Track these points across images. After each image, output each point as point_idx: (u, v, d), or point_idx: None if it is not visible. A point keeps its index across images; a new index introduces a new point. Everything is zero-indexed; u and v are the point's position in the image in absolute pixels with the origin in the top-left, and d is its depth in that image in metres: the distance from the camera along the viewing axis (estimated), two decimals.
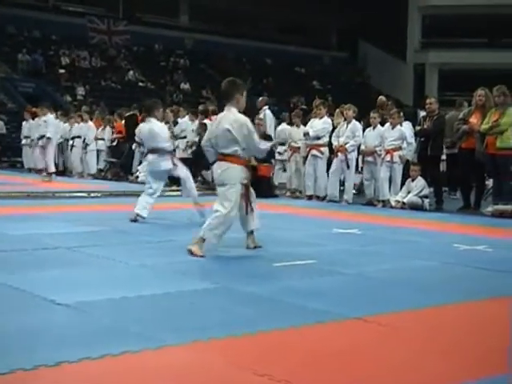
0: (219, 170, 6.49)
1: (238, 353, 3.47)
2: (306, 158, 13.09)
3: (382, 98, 14.55)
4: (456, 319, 4.33)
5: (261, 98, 15.56)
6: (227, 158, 6.43)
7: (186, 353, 3.44)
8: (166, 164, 8.83)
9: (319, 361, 3.37)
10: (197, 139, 15.15)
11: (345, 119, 12.59)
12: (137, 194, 13.11)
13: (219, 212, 6.33)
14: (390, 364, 3.36)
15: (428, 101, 12.53)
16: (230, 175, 6.43)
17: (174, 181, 10.20)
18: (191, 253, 6.20)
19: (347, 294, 4.88)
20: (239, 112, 6.51)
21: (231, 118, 6.41)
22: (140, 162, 17.06)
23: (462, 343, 3.76)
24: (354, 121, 12.41)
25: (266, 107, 14.87)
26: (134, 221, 8.65)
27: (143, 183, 15.72)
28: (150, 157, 8.89)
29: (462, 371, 3.27)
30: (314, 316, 4.16)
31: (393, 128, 12.07)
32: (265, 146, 6.82)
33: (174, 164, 8.93)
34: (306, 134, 12.84)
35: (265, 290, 4.86)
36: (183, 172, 9.07)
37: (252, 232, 6.74)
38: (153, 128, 8.86)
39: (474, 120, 11.25)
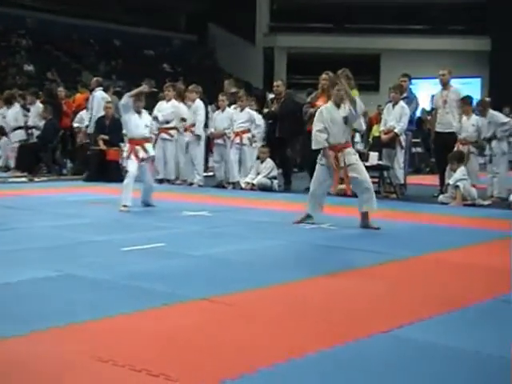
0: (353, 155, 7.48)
1: (81, 340, 3.40)
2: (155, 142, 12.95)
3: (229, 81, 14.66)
4: (301, 295, 4.44)
5: (94, 79, 15.17)
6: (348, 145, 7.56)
7: (24, 344, 3.32)
8: None
9: (163, 342, 3.37)
10: (41, 124, 14.62)
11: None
12: None
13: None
14: (235, 341, 3.41)
15: (275, 83, 12.75)
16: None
17: None
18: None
19: (194, 276, 4.90)
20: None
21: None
22: None
23: (305, 319, 3.86)
24: (196, 101, 12.41)
25: (100, 88, 14.53)
26: None
27: None
28: None
29: (303, 345, 3.36)
30: (161, 299, 4.15)
31: (241, 110, 12.19)
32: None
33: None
34: (155, 118, 12.71)
35: (110, 275, 4.79)
36: None
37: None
38: None
39: (320, 103, 11.53)
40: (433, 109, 11.91)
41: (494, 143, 10.85)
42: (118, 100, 14.65)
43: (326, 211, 7.69)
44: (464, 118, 10.67)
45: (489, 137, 10.86)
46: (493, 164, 10.92)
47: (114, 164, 13.00)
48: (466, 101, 10.71)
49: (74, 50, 30.65)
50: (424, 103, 15.53)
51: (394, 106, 11.01)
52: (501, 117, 11.07)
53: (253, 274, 5.00)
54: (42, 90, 16.61)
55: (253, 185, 11.71)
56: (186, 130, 12.60)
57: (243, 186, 11.85)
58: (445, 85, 11.13)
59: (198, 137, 12.37)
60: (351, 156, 7.47)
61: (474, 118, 10.72)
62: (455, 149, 10.75)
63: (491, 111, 11.00)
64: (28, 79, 25.81)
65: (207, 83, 14.69)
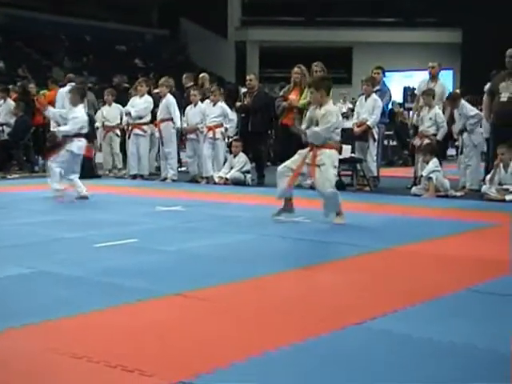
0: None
1: (56, 337, 3.38)
2: (128, 137, 12.89)
3: (204, 75, 14.65)
4: (275, 289, 4.45)
5: (66, 76, 15.09)
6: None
7: (0, 341, 3.29)
8: None
9: (137, 338, 3.36)
10: (12, 121, 14.43)
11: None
12: None
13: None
14: (209, 336, 3.41)
15: (248, 77, 12.76)
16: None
17: None
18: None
19: (168, 271, 4.88)
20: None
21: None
22: None
23: (279, 312, 3.87)
24: (167, 96, 12.37)
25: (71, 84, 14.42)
26: None
27: None
28: None
29: (276, 338, 3.37)
30: (134, 294, 4.13)
31: (214, 105, 12.16)
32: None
33: None
34: (127, 114, 12.66)
35: (84, 272, 4.76)
36: None
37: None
38: None
39: (292, 96, 11.58)
40: (414, 95, 12.02)
41: (464, 135, 10.92)
42: (93, 96, 14.62)
43: (300, 204, 7.70)
44: (426, 110, 10.72)
45: (460, 128, 10.94)
46: (464, 155, 11.00)
47: (87, 160, 12.89)
48: (429, 93, 10.77)
49: (44, 46, 30.35)
50: (397, 96, 15.62)
51: (366, 98, 11.06)
52: (469, 109, 11.08)
53: (226, 269, 4.99)
54: (12, 87, 16.45)
55: (226, 179, 11.71)
56: (155, 125, 12.58)
57: (217, 180, 11.84)
58: (433, 77, 11.27)
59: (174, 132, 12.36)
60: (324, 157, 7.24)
61: (434, 111, 10.70)
62: (413, 141, 10.87)
63: (463, 102, 11.03)
64: None
65: (179, 78, 14.63)
